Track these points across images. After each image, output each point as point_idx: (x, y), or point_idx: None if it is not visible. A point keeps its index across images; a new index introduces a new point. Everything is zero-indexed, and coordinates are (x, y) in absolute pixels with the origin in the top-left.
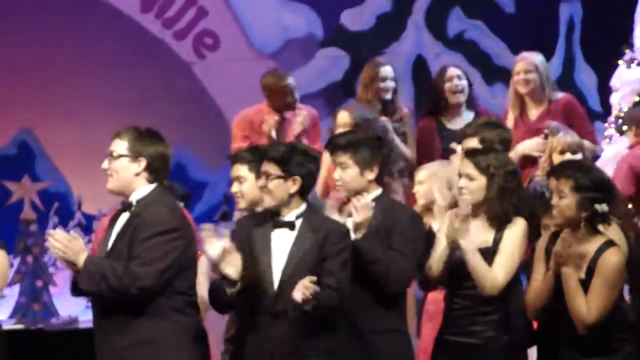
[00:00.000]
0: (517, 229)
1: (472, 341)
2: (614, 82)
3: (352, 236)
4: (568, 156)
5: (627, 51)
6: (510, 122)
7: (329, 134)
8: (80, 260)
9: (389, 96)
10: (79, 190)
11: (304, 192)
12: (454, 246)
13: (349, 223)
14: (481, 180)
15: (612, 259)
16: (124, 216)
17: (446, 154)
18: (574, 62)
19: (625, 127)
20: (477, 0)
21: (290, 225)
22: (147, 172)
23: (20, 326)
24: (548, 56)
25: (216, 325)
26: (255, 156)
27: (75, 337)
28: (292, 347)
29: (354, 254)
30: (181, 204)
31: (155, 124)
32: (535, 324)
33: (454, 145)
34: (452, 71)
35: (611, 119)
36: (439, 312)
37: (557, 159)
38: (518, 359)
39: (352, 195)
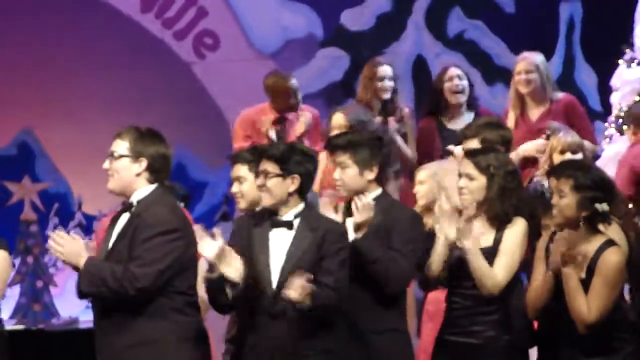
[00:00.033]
0: (517, 228)
1: (472, 341)
2: (614, 81)
3: (352, 236)
4: (568, 156)
5: (627, 51)
6: (511, 122)
7: (323, 136)
8: (81, 262)
9: (387, 96)
10: (79, 190)
11: (302, 191)
12: (456, 246)
13: (349, 223)
14: (481, 180)
15: (613, 258)
16: (125, 216)
17: (446, 154)
18: (574, 61)
19: (625, 127)
20: (477, 0)
21: (289, 225)
22: (148, 173)
23: (20, 327)
24: (548, 56)
25: (216, 325)
26: (256, 156)
27: (75, 338)
28: (290, 347)
29: (354, 253)
30: (181, 205)
31: (155, 124)
32: (535, 324)
33: (451, 147)
34: (453, 71)
35: (611, 118)
36: (439, 312)
37: (557, 158)
38: (518, 359)
39: (352, 195)
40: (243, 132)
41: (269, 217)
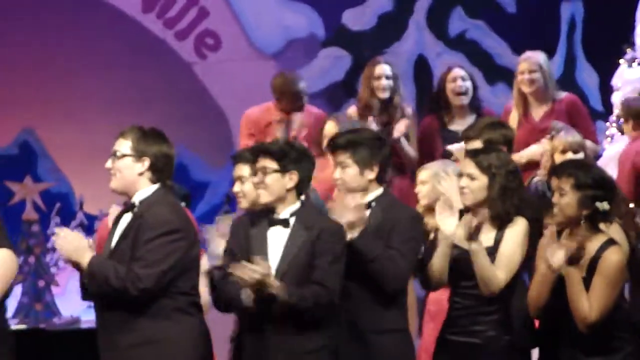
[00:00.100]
0: (518, 228)
1: (473, 341)
2: (616, 81)
3: (348, 236)
4: (569, 155)
5: (629, 50)
6: (514, 122)
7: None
8: (85, 260)
9: (385, 95)
10: (80, 190)
11: (299, 189)
12: (457, 246)
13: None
14: (483, 180)
15: (614, 257)
16: (127, 217)
17: (446, 154)
18: (575, 61)
19: (623, 121)
20: (478, 0)
21: (285, 223)
22: (150, 172)
23: (22, 326)
24: (549, 55)
25: (217, 325)
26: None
27: (77, 337)
28: (286, 345)
29: (352, 253)
30: (182, 204)
31: (156, 124)
32: (537, 323)
33: (450, 147)
34: (456, 72)
35: (612, 118)
36: (441, 312)
37: (558, 158)
38: (519, 359)
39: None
40: (247, 131)
41: (266, 215)
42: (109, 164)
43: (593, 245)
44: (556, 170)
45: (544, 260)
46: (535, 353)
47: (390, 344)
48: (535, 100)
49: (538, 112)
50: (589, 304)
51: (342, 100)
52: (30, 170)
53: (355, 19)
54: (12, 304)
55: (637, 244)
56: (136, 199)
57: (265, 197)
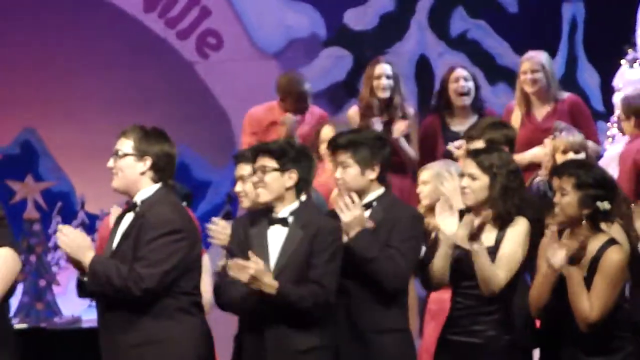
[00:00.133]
0: (519, 228)
1: (474, 340)
2: (617, 81)
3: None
4: (571, 155)
5: (630, 51)
6: (516, 122)
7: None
8: (87, 258)
9: (385, 94)
10: (81, 190)
11: (298, 188)
12: (458, 246)
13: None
14: (484, 180)
15: (614, 257)
16: (129, 216)
17: (447, 154)
18: (576, 61)
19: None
20: (480, 0)
21: (283, 222)
22: (152, 171)
23: (23, 325)
24: (551, 56)
25: (219, 324)
26: None
27: (78, 337)
28: (283, 345)
29: (350, 253)
30: (183, 204)
31: (157, 123)
32: (538, 323)
33: (451, 146)
34: (459, 72)
35: (614, 118)
36: (442, 311)
37: (559, 158)
38: (520, 359)
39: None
40: (250, 129)
41: (266, 215)
42: (110, 163)
43: (594, 244)
44: (557, 170)
45: (545, 260)
46: (536, 353)
47: (390, 343)
48: (537, 100)
49: (540, 111)
50: (589, 303)
51: (343, 100)
52: (32, 170)
53: (357, 19)
54: (13, 303)
55: (637, 244)
56: (138, 199)
57: (264, 196)
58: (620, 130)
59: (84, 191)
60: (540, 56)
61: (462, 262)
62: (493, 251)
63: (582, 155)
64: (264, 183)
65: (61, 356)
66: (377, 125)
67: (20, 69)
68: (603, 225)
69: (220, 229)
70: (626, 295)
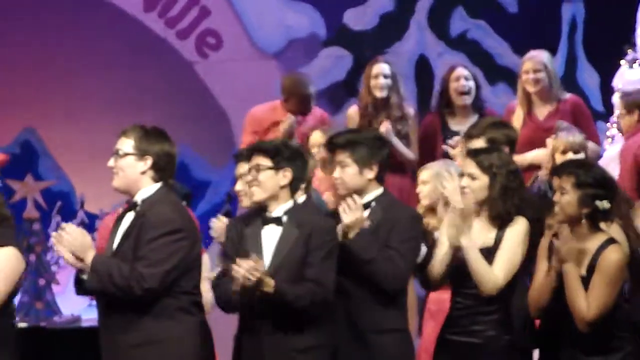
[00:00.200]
0: (518, 228)
1: (473, 340)
2: (616, 81)
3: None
4: (570, 155)
5: (630, 51)
6: (518, 121)
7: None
8: (88, 257)
9: (383, 94)
10: (81, 189)
11: (293, 187)
12: (456, 246)
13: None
14: (483, 180)
15: (613, 256)
16: (129, 216)
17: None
18: (576, 62)
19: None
20: (480, 0)
21: (278, 221)
22: (152, 171)
23: (23, 325)
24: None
25: (219, 324)
26: None
27: (78, 336)
28: (281, 344)
29: (350, 254)
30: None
31: (157, 123)
32: (537, 323)
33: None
34: (460, 71)
35: (613, 118)
36: (441, 311)
37: (559, 158)
38: (520, 359)
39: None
40: (251, 128)
41: (260, 214)
42: (111, 162)
43: (593, 244)
44: (557, 170)
45: (546, 260)
46: (536, 353)
47: (390, 343)
48: (539, 100)
49: (542, 111)
50: (587, 302)
51: (343, 100)
52: (31, 169)
53: (357, 19)
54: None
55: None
56: (138, 198)
57: (258, 195)
58: (620, 130)
59: (84, 191)
60: (542, 56)
61: (462, 263)
62: (493, 251)
63: (581, 156)
64: (258, 182)
65: (61, 355)
66: (387, 126)
67: (20, 69)
68: (602, 225)
69: (222, 225)
70: (625, 295)
